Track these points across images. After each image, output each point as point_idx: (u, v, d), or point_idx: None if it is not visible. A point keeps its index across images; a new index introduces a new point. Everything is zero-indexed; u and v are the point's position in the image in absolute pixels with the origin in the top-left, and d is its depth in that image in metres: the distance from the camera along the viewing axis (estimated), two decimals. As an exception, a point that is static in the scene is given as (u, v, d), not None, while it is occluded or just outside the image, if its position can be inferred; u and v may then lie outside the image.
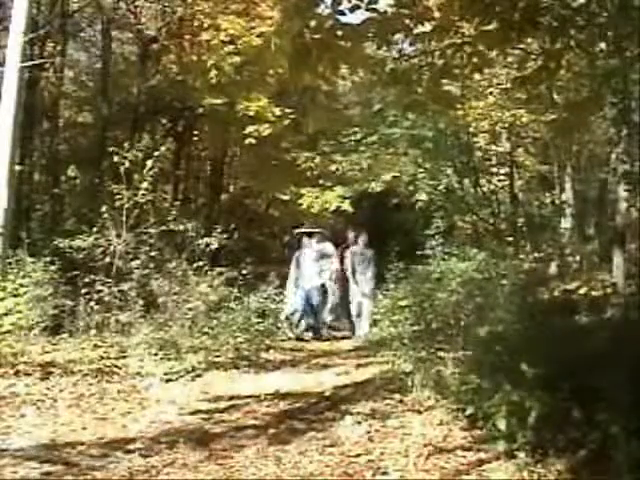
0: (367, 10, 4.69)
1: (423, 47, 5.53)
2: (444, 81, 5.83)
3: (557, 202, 11.29)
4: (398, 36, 5.20)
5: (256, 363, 7.59)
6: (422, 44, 5.45)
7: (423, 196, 12.52)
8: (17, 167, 9.09)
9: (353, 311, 10.48)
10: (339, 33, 4.70)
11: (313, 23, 4.59)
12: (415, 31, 4.97)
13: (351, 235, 11.06)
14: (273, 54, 5.57)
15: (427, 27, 5.01)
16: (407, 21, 4.78)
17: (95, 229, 8.67)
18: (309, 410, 5.61)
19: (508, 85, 9.56)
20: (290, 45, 4.65)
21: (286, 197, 13.84)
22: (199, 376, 6.63)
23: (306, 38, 4.55)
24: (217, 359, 7.21)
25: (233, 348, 7.50)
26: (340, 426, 4.95)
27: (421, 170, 12.60)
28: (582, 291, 7.49)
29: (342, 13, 4.68)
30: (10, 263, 8.02)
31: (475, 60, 5.21)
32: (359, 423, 4.98)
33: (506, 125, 11.25)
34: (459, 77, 6.45)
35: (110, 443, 4.57)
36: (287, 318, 10.18)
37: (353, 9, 4.63)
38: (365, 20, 4.79)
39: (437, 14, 4.82)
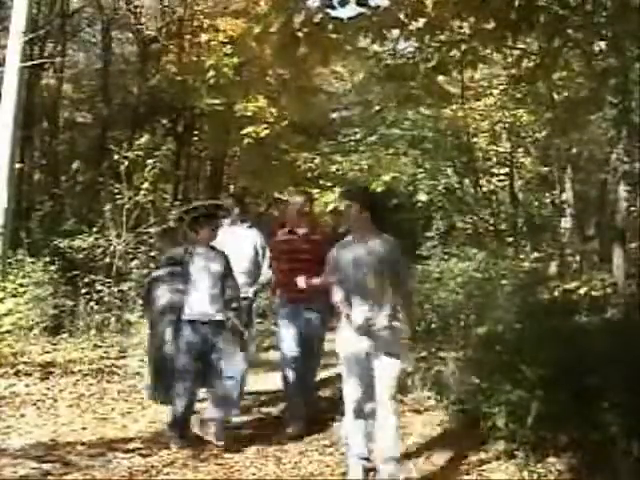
0: (357, 5, 4.66)
1: (418, 44, 5.52)
2: (442, 79, 5.84)
3: (557, 202, 11.29)
4: (392, 33, 5.18)
5: (256, 363, 7.58)
6: (416, 40, 5.44)
7: (423, 197, 12.52)
8: (17, 165, 9.08)
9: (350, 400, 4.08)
10: (329, 27, 4.66)
11: (302, 15, 4.55)
12: (409, 27, 4.95)
13: (354, 213, 4.43)
14: (259, 42, 5.55)
15: (421, 23, 4.98)
16: (401, 16, 4.75)
17: (95, 229, 8.68)
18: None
19: (508, 85, 9.57)
20: (277, 35, 4.61)
21: (286, 197, 13.83)
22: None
23: (294, 30, 4.51)
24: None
25: (233, 348, 7.48)
26: (340, 426, 4.95)
27: (421, 170, 12.59)
28: (582, 291, 7.48)
29: (332, 7, 4.64)
30: (10, 263, 8.03)
31: (470, 57, 5.21)
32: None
33: (506, 125, 11.26)
34: (453, 73, 6.44)
35: (110, 443, 4.57)
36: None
37: (343, 3, 4.59)
38: (358, 15, 4.76)
39: (431, 11, 4.80)
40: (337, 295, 4.10)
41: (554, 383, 4.20)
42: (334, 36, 4.66)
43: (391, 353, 3.93)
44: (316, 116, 14.57)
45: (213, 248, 4.80)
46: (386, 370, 3.91)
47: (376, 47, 5.84)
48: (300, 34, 4.49)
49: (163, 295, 4.68)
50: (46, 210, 11.90)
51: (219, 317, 4.67)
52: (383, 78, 6.06)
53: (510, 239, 11.59)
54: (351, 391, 4.01)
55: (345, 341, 4.04)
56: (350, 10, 4.75)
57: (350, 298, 4.03)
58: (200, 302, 4.63)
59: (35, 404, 5.46)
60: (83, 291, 8.04)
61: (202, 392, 4.87)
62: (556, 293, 7.78)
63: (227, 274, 4.76)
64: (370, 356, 3.94)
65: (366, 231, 4.15)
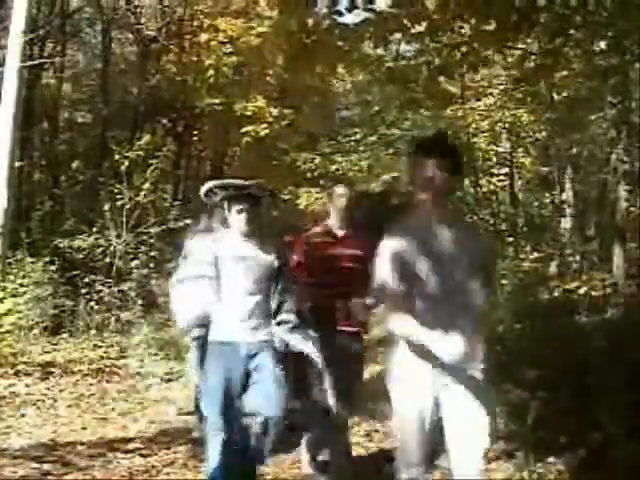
0: (364, 10, 4.70)
1: (420, 46, 5.55)
2: (442, 80, 5.86)
3: (557, 202, 11.28)
4: (395, 36, 5.21)
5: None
6: (419, 43, 5.47)
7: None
8: (17, 165, 9.08)
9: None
10: (336, 33, 4.71)
11: (310, 22, 4.60)
12: (412, 31, 4.98)
13: (440, 177, 2.59)
14: (271, 51, 5.61)
15: (424, 26, 5.02)
16: (405, 21, 4.79)
17: (95, 229, 8.69)
18: (309, 410, 5.59)
19: (508, 85, 9.56)
20: (287, 43, 4.67)
21: (287, 197, 13.84)
22: (199, 376, 6.62)
23: (303, 38, 4.57)
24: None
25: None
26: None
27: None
28: (582, 291, 7.48)
29: (339, 13, 4.70)
30: (10, 263, 8.03)
31: (472, 59, 5.24)
32: (359, 423, 4.98)
33: (506, 125, 11.26)
34: (456, 75, 6.46)
35: (110, 443, 4.57)
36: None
37: (350, 9, 4.64)
38: (363, 20, 4.81)
39: (433, 13, 4.82)
40: (394, 313, 2.53)
41: (554, 383, 4.20)
42: (340, 43, 4.71)
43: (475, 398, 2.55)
44: (325, 118, 14.67)
45: (254, 238, 3.46)
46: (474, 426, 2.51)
47: (379, 51, 5.87)
48: (308, 41, 4.54)
49: (187, 305, 3.42)
50: (46, 210, 11.91)
51: (261, 337, 3.38)
52: (385, 81, 6.07)
53: (510, 239, 11.59)
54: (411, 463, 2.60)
55: (408, 392, 2.57)
56: (353, 16, 4.80)
57: (423, 317, 2.48)
58: (233, 316, 3.36)
59: (35, 404, 5.46)
60: (83, 291, 8.06)
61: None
62: (556, 293, 7.78)
63: (277, 273, 3.46)
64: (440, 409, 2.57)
65: (447, 209, 2.66)
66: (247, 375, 3.32)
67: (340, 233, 3.97)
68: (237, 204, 3.42)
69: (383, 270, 2.57)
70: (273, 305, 3.44)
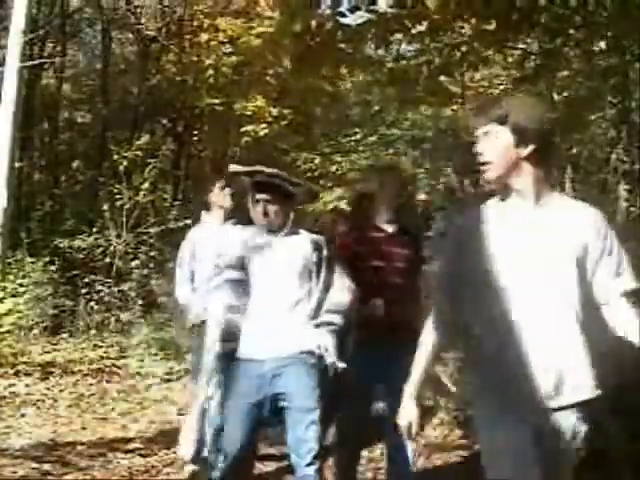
0: (367, 12, 4.73)
1: (420, 46, 5.57)
2: (443, 79, 5.87)
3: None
4: (396, 36, 5.23)
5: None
6: (419, 44, 5.49)
7: (423, 197, 12.52)
8: (17, 165, 9.08)
9: None
10: (339, 34, 4.74)
11: (314, 24, 4.62)
12: (413, 31, 5.00)
13: (501, 146, 2.10)
14: (275, 54, 5.62)
15: (424, 26, 5.03)
16: (405, 21, 4.80)
17: (95, 229, 8.70)
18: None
19: (508, 85, 9.57)
20: (293, 46, 4.69)
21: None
22: (199, 376, 6.63)
23: (307, 40, 4.59)
24: (217, 359, 7.21)
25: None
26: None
27: (421, 170, 12.60)
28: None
29: (342, 14, 4.72)
30: (10, 263, 8.03)
31: (472, 58, 5.25)
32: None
33: (506, 125, 11.26)
34: (456, 75, 6.47)
35: (110, 443, 4.57)
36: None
37: (353, 10, 4.67)
38: (365, 21, 4.83)
39: (433, 13, 4.84)
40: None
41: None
42: (343, 45, 4.73)
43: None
44: (333, 119, 14.66)
45: (284, 231, 2.95)
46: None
47: (380, 51, 5.90)
48: (312, 43, 4.55)
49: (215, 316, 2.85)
50: (46, 210, 11.92)
51: (292, 350, 2.77)
52: (386, 82, 6.09)
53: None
54: None
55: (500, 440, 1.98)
56: (355, 17, 4.82)
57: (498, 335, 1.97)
58: (258, 328, 2.79)
59: (35, 404, 5.46)
60: (83, 291, 8.06)
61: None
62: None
63: (316, 269, 2.89)
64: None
65: (531, 186, 2.02)
66: (273, 400, 2.77)
67: (389, 229, 3.36)
68: (259, 193, 3.00)
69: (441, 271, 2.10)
70: (312, 305, 2.85)
